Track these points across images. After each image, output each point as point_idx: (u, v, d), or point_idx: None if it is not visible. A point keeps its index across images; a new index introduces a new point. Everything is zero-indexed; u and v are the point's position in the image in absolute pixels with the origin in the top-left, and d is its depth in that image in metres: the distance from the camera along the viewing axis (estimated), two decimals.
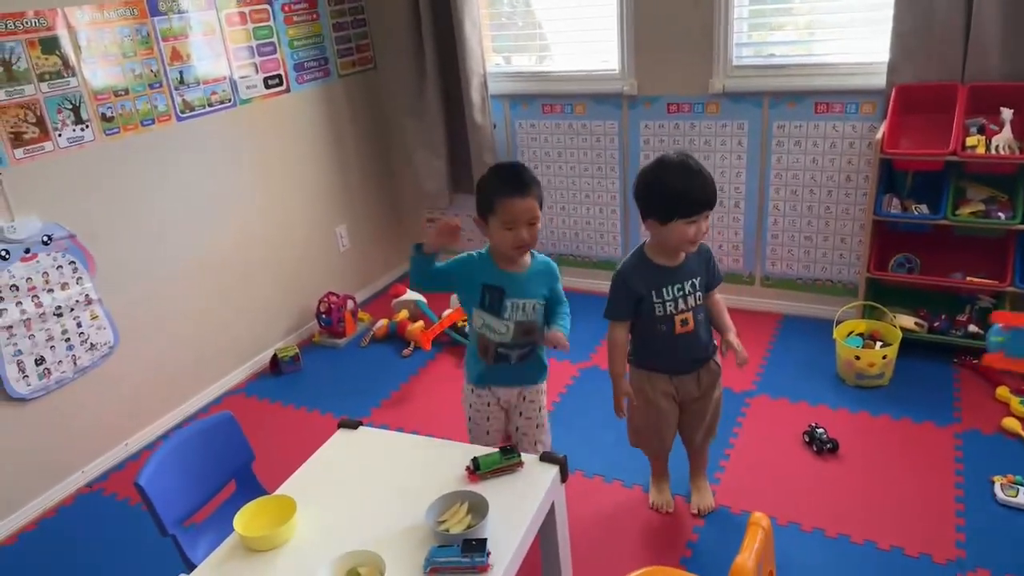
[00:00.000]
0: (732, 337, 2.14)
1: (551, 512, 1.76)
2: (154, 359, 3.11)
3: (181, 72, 3.08)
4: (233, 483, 2.08)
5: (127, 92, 2.88)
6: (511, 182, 1.97)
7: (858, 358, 2.91)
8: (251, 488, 2.06)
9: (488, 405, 2.20)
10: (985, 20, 2.74)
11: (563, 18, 3.76)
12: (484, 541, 1.49)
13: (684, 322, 2.14)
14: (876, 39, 3.03)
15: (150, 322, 3.07)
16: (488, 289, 2.05)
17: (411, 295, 3.84)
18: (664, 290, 2.12)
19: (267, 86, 3.49)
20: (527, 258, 2.07)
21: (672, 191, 1.98)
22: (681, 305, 2.13)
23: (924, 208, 2.93)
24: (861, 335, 3.07)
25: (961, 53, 2.84)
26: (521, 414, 2.22)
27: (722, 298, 2.25)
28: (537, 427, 2.23)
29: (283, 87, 3.57)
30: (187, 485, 1.91)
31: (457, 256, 2.12)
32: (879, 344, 3.00)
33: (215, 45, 3.21)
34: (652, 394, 2.25)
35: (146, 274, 3.04)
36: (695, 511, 2.41)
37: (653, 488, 2.49)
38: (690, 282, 2.13)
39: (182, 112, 3.10)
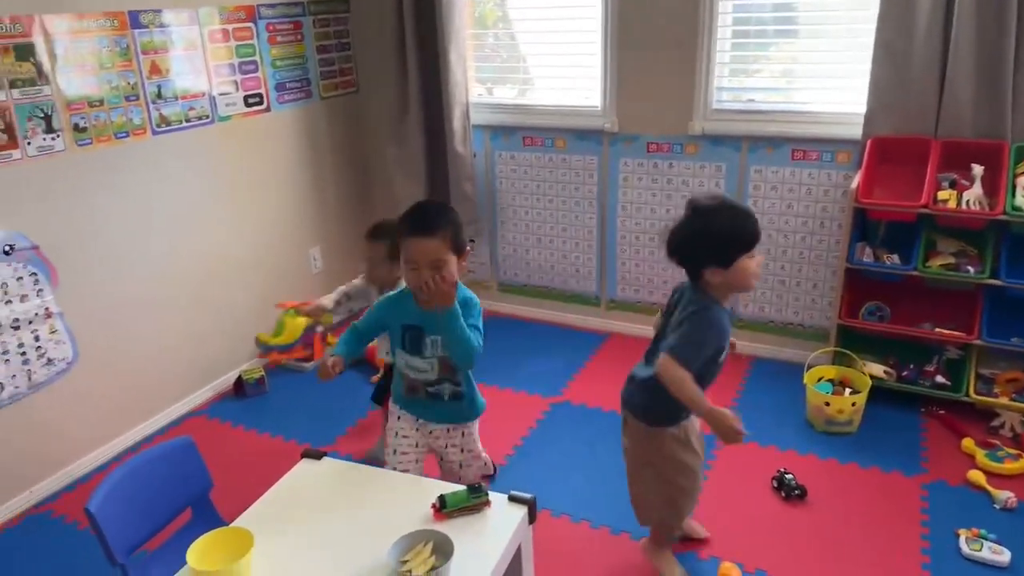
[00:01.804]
0: None
1: (518, 554, 1.71)
2: (114, 377, 3.02)
3: (159, 86, 3.03)
4: (189, 511, 2.01)
5: (102, 103, 2.83)
6: (414, 222, 1.94)
7: (828, 404, 2.92)
8: (207, 517, 1.98)
9: (406, 439, 2.22)
10: (959, 78, 2.81)
11: (547, 53, 3.79)
12: None
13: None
14: (854, 91, 3.09)
15: (112, 338, 2.99)
16: (407, 329, 2.05)
17: None
18: (727, 342, 2.02)
19: (247, 104, 3.45)
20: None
21: (727, 231, 1.89)
22: (724, 355, 2.03)
23: (896, 258, 2.97)
24: (831, 381, 3.08)
25: (935, 108, 2.91)
26: (449, 445, 2.25)
27: None
28: (473, 456, 2.29)
29: (263, 106, 3.54)
30: (140, 513, 1.83)
31: (377, 301, 2.15)
32: (848, 391, 3.01)
33: (196, 61, 3.18)
34: (697, 445, 2.12)
35: (111, 289, 2.96)
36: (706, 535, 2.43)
37: (675, 567, 2.27)
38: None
39: (158, 126, 3.05)
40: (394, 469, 2.17)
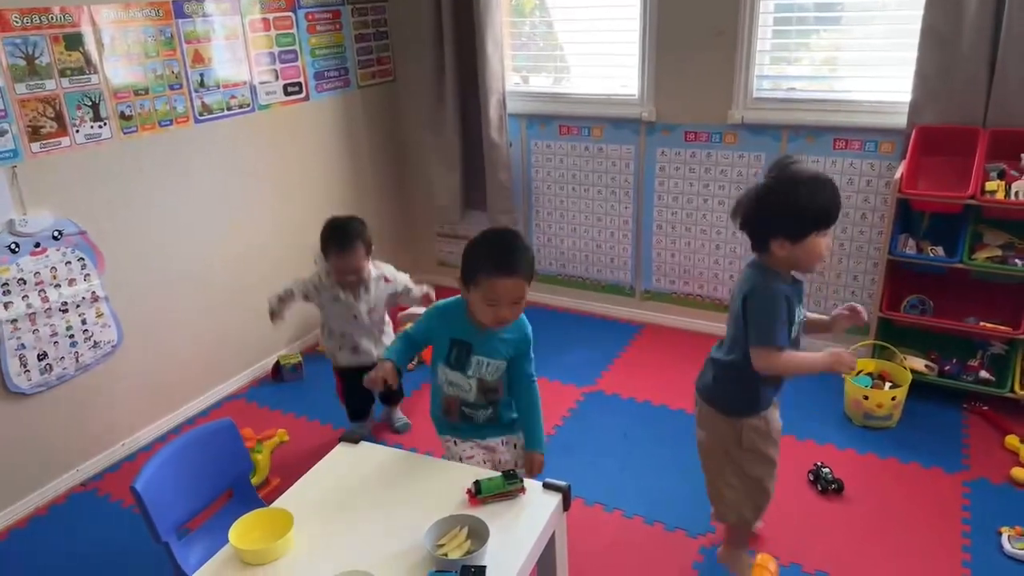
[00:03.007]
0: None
1: (551, 541, 1.72)
2: (156, 360, 3.09)
3: (202, 75, 3.08)
4: (230, 492, 2.05)
5: (147, 92, 2.89)
6: (501, 261, 1.81)
7: (867, 398, 2.87)
8: (248, 498, 2.03)
9: (456, 444, 2.10)
10: (1009, 65, 2.73)
11: (585, 41, 3.77)
12: (483, 569, 1.46)
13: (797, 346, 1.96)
14: (898, 79, 3.03)
15: (155, 322, 3.06)
16: (456, 343, 1.96)
17: (417, 309, 3.80)
18: (796, 311, 1.91)
19: (286, 93, 3.49)
20: None
21: (807, 203, 1.77)
22: (797, 330, 1.95)
23: (940, 250, 2.91)
24: (870, 375, 3.03)
25: (984, 97, 2.83)
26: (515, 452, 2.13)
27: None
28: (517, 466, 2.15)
29: (302, 95, 3.58)
30: (184, 492, 1.88)
31: (430, 309, 2.05)
32: (888, 385, 2.96)
33: (237, 50, 3.22)
34: (777, 437, 2.03)
35: (154, 274, 3.03)
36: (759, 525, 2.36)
37: (746, 567, 2.19)
38: (802, 302, 1.95)
39: (200, 114, 3.10)
40: None
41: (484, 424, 2.05)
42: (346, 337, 2.86)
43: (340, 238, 2.66)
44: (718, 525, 2.39)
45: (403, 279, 2.88)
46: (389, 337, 2.91)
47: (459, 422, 2.06)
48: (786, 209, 1.79)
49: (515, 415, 2.10)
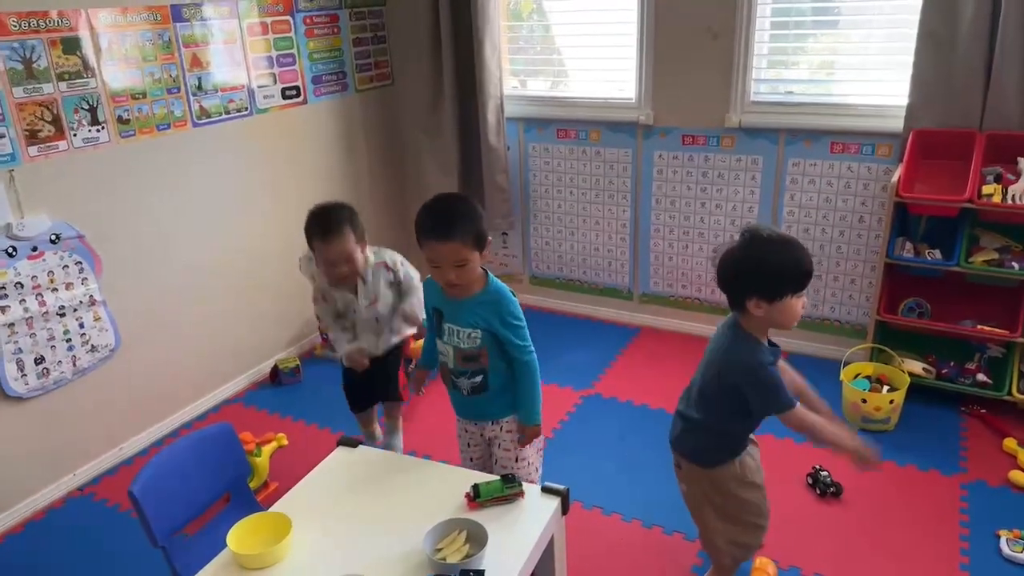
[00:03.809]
0: None
1: (550, 545, 1.72)
2: (154, 364, 3.08)
3: (200, 78, 3.08)
4: (228, 496, 2.05)
5: (145, 96, 2.89)
6: (436, 225, 1.87)
7: (864, 401, 2.88)
8: (246, 502, 2.02)
9: (466, 431, 2.19)
10: (1006, 70, 2.74)
11: (582, 45, 3.77)
12: (482, 572, 1.46)
13: None
14: (895, 83, 3.04)
15: (153, 326, 3.05)
16: (435, 311, 2.05)
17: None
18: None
19: (284, 97, 3.49)
20: (476, 284, 1.97)
21: (781, 266, 1.81)
22: None
23: (937, 254, 2.91)
24: (868, 378, 3.03)
25: (980, 101, 2.84)
26: (499, 445, 2.15)
27: None
28: (517, 460, 2.13)
29: (300, 98, 3.58)
30: (181, 496, 1.88)
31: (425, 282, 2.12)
32: (886, 388, 2.96)
33: (235, 53, 3.22)
34: (757, 478, 2.06)
35: (152, 278, 3.03)
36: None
37: None
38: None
39: (198, 118, 3.10)
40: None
41: (470, 396, 2.06)
42: (346, 324, 2.62)
43: (323, 223, 2.32)
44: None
45: (411, 274, 2.58)
46: (397, 335, 2.65)
47: (450, 390, 2.12)
48: (764, 270, 1.83)
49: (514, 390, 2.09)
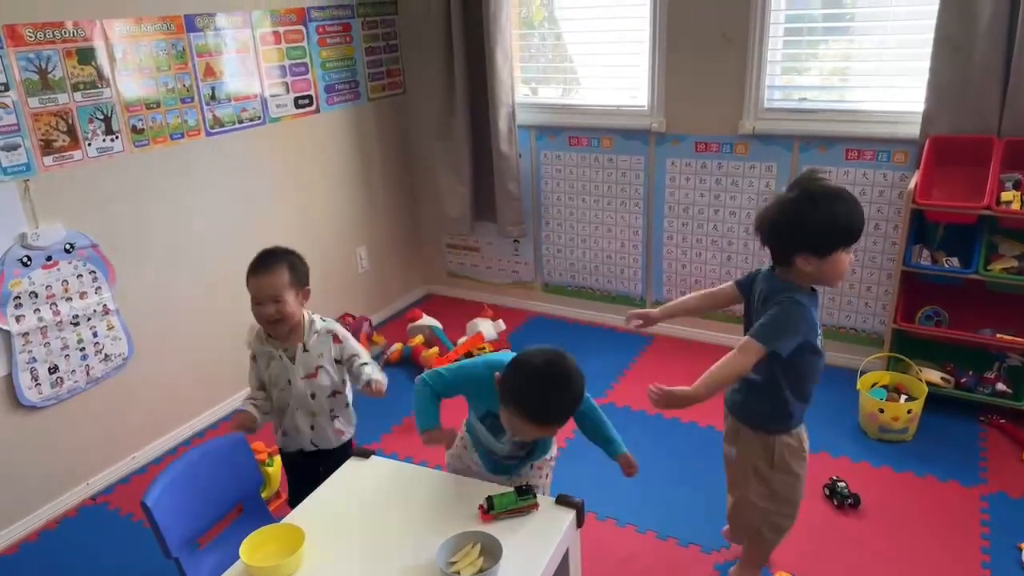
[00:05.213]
0: None
1: (564, 558, 1.70)
2: (167, 373, 3.09)
3: (213, 88, 3.09)
4: (240, 507, 2.04)
5: (159, 105, 2.90)
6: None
7: (882, 411, 2.84)
8: (259, 514, 2.01)
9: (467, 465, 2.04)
10: None
11: (594, 52, 3.77)
12: None
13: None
14: (911, 89, 3.01)
15: (166, 335, 3.05)
16: (492, 415, 1.87)
17: (427, 320, 3.81)
18: (817, 321, 1.91)
19: (297, 106, 3.50)
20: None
21: (836, 218, 1.76)
22: (821, 337, 1.92)
23: (955, 261, 2.88)
24: (885, 387, 3.00)
25: (998, 107, 2.81)
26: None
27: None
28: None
29: (313, 107, 3.59)
30: (194, 507, 1.87)
31: (461, 368, 1.97)
32: (904, 397, 2.93)
33: (248, 63, 3.23)
34: (806, 454, 2.01)
35: (165, 287, 3.03)
36: None
37: None
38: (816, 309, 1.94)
39: (212, 127, 3.11)
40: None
41: (502, 462, 1.96)
42: (282, 413, 2.22)
43: (260, 258, 2.14)
44: (733, 543, 2.36)
45: (358, 349, 2.21)
46: (342, 419, 2.25)
47: (482, 457, 1.97)
48: (815, 224, 1.77)
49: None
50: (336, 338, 2.17)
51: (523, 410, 1.70)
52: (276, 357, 2.15)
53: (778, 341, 1.80)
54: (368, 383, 2.10)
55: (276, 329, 2.12)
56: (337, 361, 2.17)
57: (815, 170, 1.96)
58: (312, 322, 2.16)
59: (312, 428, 2.20)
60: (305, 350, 2.13)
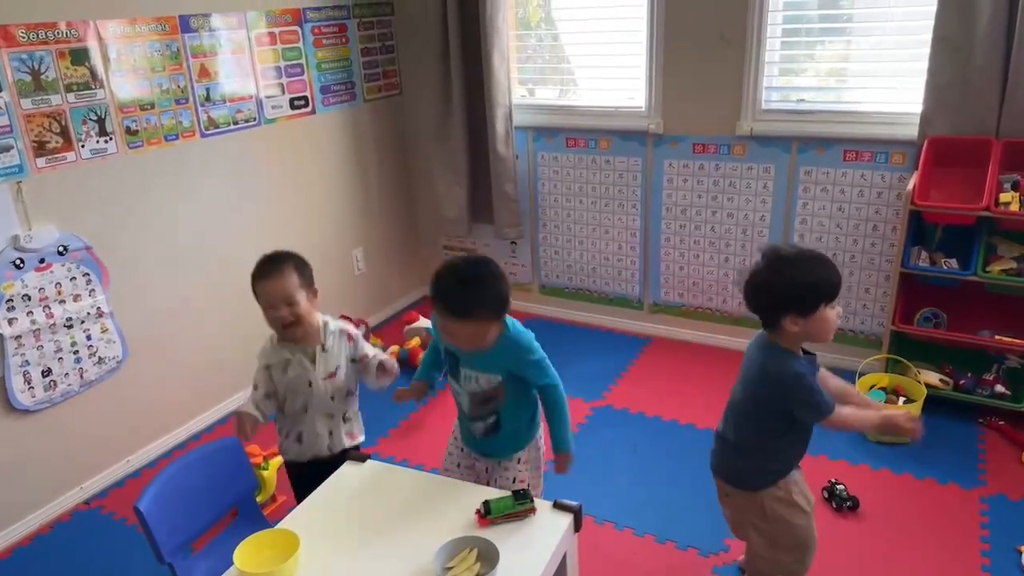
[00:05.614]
0: None
1: (562, 563, 1.68)
2: (161, 376, 3.07)
3: (208, 89, 3.07)
4: (235, 511, 2.02)
5: (153, 106, 2.88)
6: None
7: None
8: (253, 518, 2.00)
9: (461, 451, 2.13)
10: (1023, 75, 2.70)
11: (592, 53, 3.75)
12: None
13: None
14: (909, 90, 3.00)
15: (160, 338, 3.03)
16: (448, 353, 2.00)
17: (423, 323, 3.80)
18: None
19: (292, 107, 3.48)
20: (495, 331, 1.85)
21: (815, 275, 1.82)
22: None
23: (954, 263, 2.87)
24: (884, 389, 2.99)
25: (997, 108, 2.80)
26: (500, 476, 2.07)
27: None
28: (514, 481, 2.07)
29: (308, 109, 3.57)
30: (188, 512, 1.85)
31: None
32: (902, 399, 2.92)
33: (243, 64, 3.21)
34: (802, 502, 2.02)
35: (160, 289, 3.01)
36: None
37: None
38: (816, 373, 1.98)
39: (206, 129, 3.09)
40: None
41: (483, 437, 2.02)
42: (296, 421, 2.16)
43: (266, 262, 2.09)
44: (731, 543, 2.35)
45: (368, 347, 2.23)
46: (355, 423, 2.25)
47: (463, 431, 2.08)
48: (794, 287, 1.83)
49: (527, 427, 2.06)
50: (350, 337, 2.18)
51: (441, 303, 1.82)
52: (294, 361, 2.09)
53: (827, 404, 1.84)
54: (381, 364, 2.13)
55: (292, 332, 2.06)
56: (351, 360, 2.17)
57: (778, 244, 2.01)
58: (327, 323, 2.15)
59: (331, 433, 2.17)
60: (324, 350, 2.11)
